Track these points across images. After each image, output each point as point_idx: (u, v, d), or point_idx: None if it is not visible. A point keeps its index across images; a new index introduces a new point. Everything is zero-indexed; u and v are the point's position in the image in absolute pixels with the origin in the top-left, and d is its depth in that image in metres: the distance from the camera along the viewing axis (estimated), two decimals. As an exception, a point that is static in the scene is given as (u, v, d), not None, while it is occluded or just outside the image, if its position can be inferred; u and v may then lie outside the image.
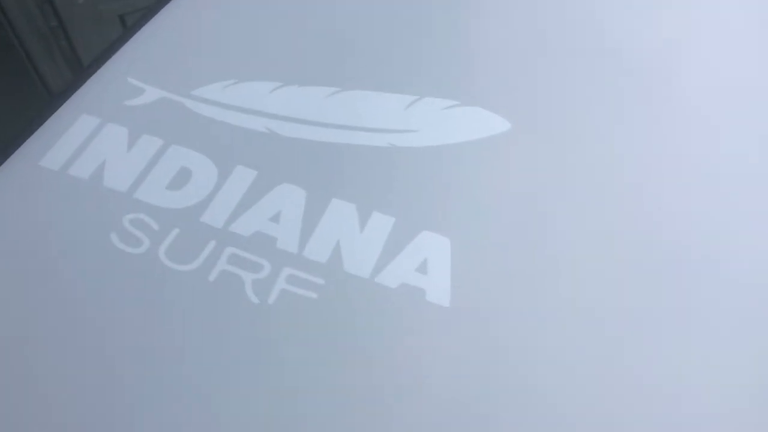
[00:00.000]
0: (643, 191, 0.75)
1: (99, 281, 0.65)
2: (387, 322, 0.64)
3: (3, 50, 1.72)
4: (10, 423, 0.57)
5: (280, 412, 0.59)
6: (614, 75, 0.86)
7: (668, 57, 0.89)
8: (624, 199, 0.74)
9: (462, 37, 0.90)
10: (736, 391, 0.63)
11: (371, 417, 0.59)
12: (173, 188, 0.72)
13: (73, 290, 0.65)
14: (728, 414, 0.61)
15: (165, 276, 0.66)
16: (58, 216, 0.70)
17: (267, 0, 0.93)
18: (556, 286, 0.67)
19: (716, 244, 0.71)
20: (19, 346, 0.62)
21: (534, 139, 0.79)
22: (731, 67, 0.88)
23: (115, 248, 0.67)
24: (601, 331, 0.65)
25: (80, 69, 1.86)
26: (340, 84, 0.82)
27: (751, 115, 0.83)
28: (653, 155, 0.78)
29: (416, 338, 0.64)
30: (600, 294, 0.67)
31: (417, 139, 0.77)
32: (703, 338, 0.65)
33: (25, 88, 1.81)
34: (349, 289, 0.66)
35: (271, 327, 0.63)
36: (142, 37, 0.86)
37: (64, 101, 0.77)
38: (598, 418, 0.60)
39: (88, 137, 0.75)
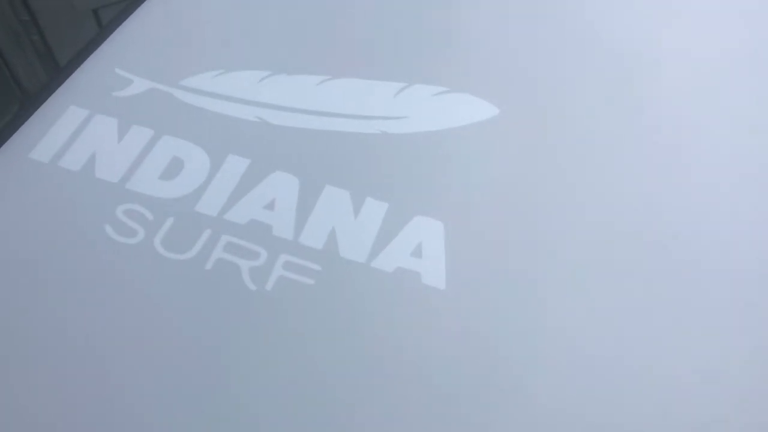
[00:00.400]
0: (631, 173, 0.77)
1: (95, 272, 0.65)
2: (385, 305, 0.65)
3: (-29, 46, 1.68)
4: (3, 416, 0.57)
5: (280, 398, 0.59)
6: (601, 60, 0.88)
7: (656, 45, 0.91)
8: (612, 182, 0.76)
9: (449, 24, 0.91)
10: (733, 383, 0.64)
11: (371, 400, 0.60)
12: (166, 178, 0.72)
13: (68, 282, 0.65)
14: (724, 407, 0.62)
15: (161, 265, 0.66)
16: (51, 208, 0.69)
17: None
18: (548, 267, 0.69)
19: (706, 228, 0.73)
20: (15, 341, 0.61)
21: (521, 123, 0.80)
22: (718, 57, 0.90)
23: (109, 239, 0.67)
24: (597, 310, 0.66)
25: (56, 62, 1.83)
26: (329, 72, 0.82)
27: (739, 105, 0.85)
28: (640, 138, 0.80)
29: (414, 321, 0.64)
30: (593, 274, 0.68)
31: (407, 125, 0.78)
32: (699, 325, 0.66)
33: (-5, 83, 1.77)
34: (346, 275, 0.66)
35: (270, 314, 0.64)
36: (128, 28, 0.85)
37: (52, 93, 0.77)
38: (594, 398, 0.61)
39: (78, 129, 0.75)
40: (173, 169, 0.72)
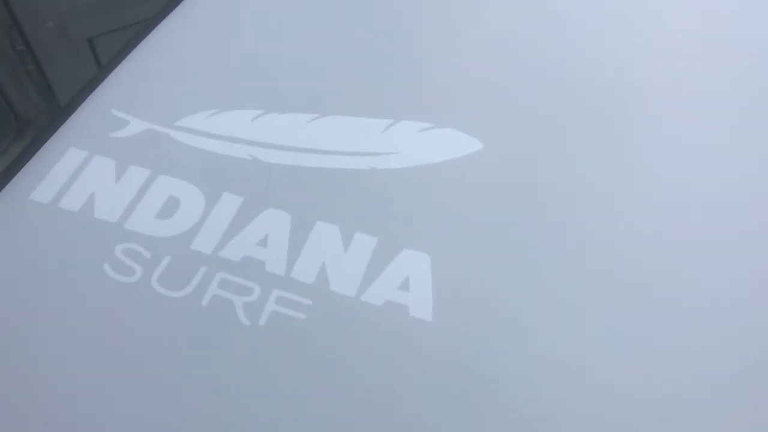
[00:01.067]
0: (618, 204, 0.78)
1: (94, 311, 0.67)
2: (374, 339, 0.67)
3: (-31, 76, 1.71)
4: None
5: None
6: (584, 92, 0.89)
7: (640, 73, 0.92)
8: (598, 213, 0.77)
9: (434, 62, 0.93)
10: (732, 384, 0.65)
11: None
12: (163, 217, 0.74)
13: (69, 320, 0.67)
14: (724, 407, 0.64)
15: (159, 303, 0.68)
16: (51, 248, 0.72)
17: (245, 31, 0.96)
18: (535, 298, 0.70)
19: (697, 257, 0.74)
20: (17, 380, 0.63)
21: (504, 157, 0.82)
22: (701, 85, 0.92)
23: (108, 278, 0.69)
24: (588, 342, 0.67)
25: (52, 91, 1.86)
26: (319, 110, 0.85)
27: (721, 127, 0.87)
28: (624, 171, 0.81)
29: (402, 353, 0.66)
30: (582, 304, 0.70)
31: (395, 161, 0.81)
32: (695, 342, 0.68)
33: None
34: (336, 309, 0.68)
35: (264, 348, 0.66)
36: (123, 70, 0.88)
37: (51, 135, 0.79)
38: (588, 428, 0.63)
39: (77, 170, 0.77)
40: (169, 208, 0.75)
